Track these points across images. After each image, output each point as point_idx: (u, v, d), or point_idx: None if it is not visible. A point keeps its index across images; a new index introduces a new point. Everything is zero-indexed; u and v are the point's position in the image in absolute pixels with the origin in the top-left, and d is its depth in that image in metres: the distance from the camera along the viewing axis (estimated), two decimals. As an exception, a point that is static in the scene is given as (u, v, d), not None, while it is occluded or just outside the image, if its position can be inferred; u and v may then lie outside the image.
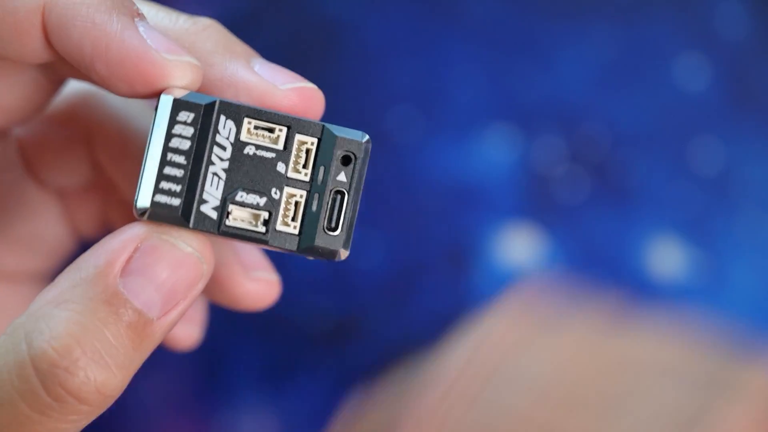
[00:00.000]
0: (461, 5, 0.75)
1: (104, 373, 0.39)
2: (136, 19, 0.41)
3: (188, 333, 0.52)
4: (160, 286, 0.41)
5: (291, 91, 0.44)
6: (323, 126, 0.42)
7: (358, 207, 0.43)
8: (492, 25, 0.74)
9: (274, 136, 0.42)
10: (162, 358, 0.77)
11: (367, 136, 0.43)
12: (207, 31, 0.45)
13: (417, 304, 0.77)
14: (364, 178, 0.43)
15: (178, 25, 0.45)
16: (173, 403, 0.77)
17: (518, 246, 0.77)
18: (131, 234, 0.41)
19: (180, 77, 0.41)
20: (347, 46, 0.75)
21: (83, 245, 0.58)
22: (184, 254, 0.41)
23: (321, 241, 0.42)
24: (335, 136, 0.42)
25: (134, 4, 0.42)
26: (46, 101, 0.48)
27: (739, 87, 0.75)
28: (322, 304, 0.75)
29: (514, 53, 0.74)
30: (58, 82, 0.48)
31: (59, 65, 0.44)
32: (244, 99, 0.43)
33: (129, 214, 0.56)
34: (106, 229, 0.57)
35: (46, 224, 0.55)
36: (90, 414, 0.39)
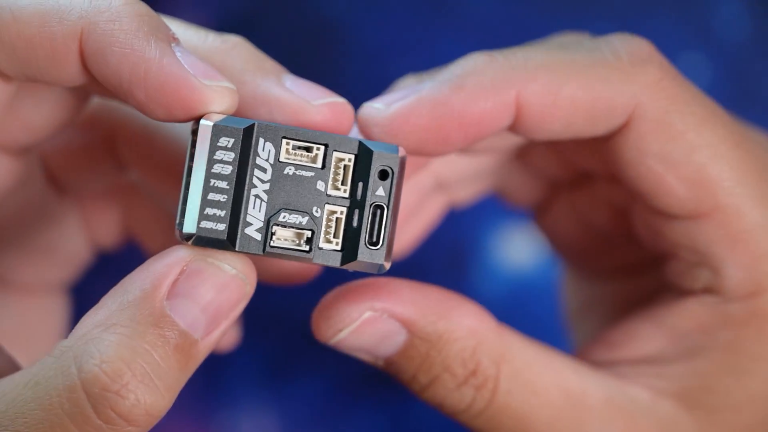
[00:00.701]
0: (461, 5, 0.75)
1: (153, 396, 0.40)
2: (172, 44, 0.42)
3: (230, 335, 0.54)
4: (205, 307, 0.42)
5: (323, 106, 0.44)
6: (360, 142, 0.43)
7: (396, 220, 0.43)
8: (492, 25, 0.74)
9: (312, 155, 0.43)
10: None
11: (402, 150, 0.43)
12: (236, 49, 0.45)
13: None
14: (401, 191, 0.44)
15: (207, 43, 0.45)
16: (175, 406, 0.76)
17: (518, 246, 0.77)
18: (176, 257, 0.42)
19: (218, 103, 0.42)
20: (347, 46, 0.75)
21: (101, 256, 0.58)
22: (229, 276, 0.42)
23: (364, 255, 0.43)
24: (372, 152, 0.43)
25: (170, 28, 0.43)
26: (73, 118, 0.48)
27: (739, 87, 0.75)
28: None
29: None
30: (86, 100, 0.48)
31: (92, 86, 0.45)
32: (277, 116, 0.44)
33: (151, 222, 0.56)
34: (125, 239, 0.57)
35: (65, 235, 0.55)
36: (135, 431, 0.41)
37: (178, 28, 0.46)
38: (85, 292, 0.61)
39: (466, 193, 0.56)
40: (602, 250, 0.56)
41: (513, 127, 0.47)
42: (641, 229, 0.52)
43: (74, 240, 0.56)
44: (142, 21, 0.42)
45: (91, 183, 0.55)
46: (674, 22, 0.74)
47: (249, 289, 0.43)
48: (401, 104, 0.45)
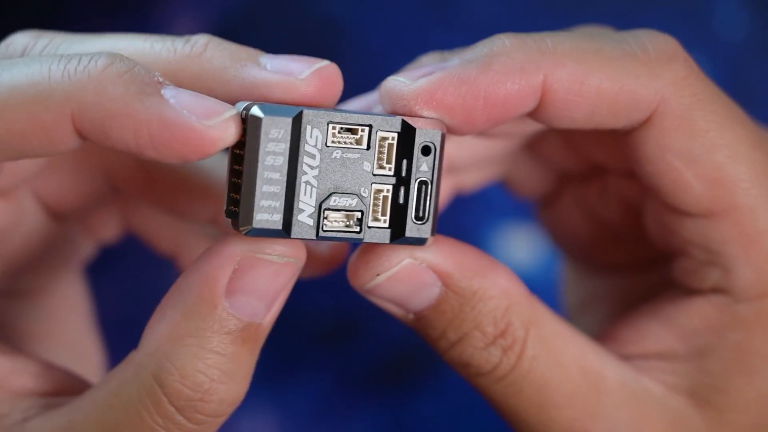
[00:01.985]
0: (461, 5, 0.75)
1: (233, 390, 0.43)
2: (162, 91, 0.42)
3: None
4: (262, 296, 0.43)
5: (310, 77, 0.44)
6: (402, 120, 0.44)
7: (439, 194, 0.44)
8: (492, 25, 0.74)
9: (357, 137, 0.43)
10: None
11: (443, 125, 0.44)
12: (208, 50, 0.45)
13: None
14: (442, 166, 0.45)
15: (178, 53, 0.45)
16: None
17: (518, 246, 0.77)
18: (227, 256, 0.43)
19: (228, 137, 0.42)
20: (347, 46, 0.75)
21: (104, 250, 0.59)
22: (281, 265, 0.43)
23: (411, 231, 0.44)
24: (414, 129, 0.44)
25: (152, 72, 0.42)
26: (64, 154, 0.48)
27: (738, 87, 0.75)
28: (322, 304, 0.75)
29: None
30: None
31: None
32: (271, 100, 0.43)
33: (150, 217, 0.56)
34: (127, 231, 0.58)
35: (68, 240, 0.56)
36: (224, 419, 0.44)
37: (145, 43, 0.46)
38: (98, 287, 0.61)
39: (474, 178, 0.56)
40: (607, 245, 0.56)
41: (535, 113, 0.47)
42: (652, 225, 0.52)
43: (76, 242, 0.56)
44: (126, 81, 0.41)
45: (88, 198, 0.55)
46: (674, 22, 0.74)
47: (300, 264, 0.44)
48: (427, 80, 0.45)
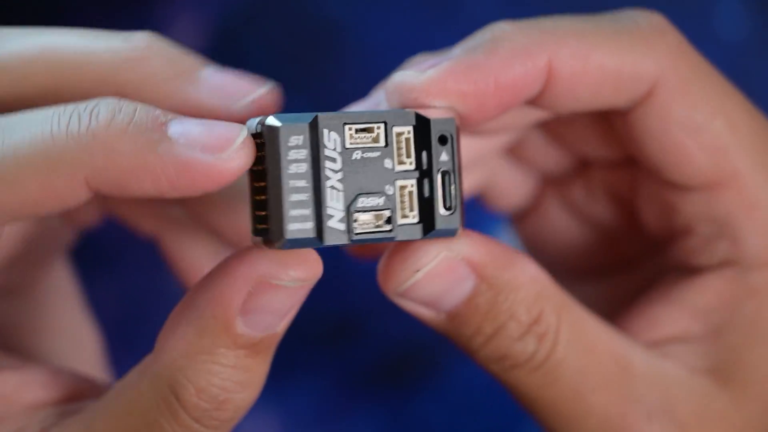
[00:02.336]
0: (461, 5, 0.75)
1: (248, 395, 0.44)
2: (169, 132, 0.41)
3: None
4: (276, 313, 0.43)
5: (248, 106, 0.44)
6: (415, 113, 0.43)
7: (462, 182, 0.44)
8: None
9: (374, 135, 0.43)
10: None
11: (455, 113, 0.44)
12: (149, 55, 0.45)
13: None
14: (461, 153, 0.44)
15: (120, 56, 0.44)
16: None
17: (518, 246, 0.77)
18: (242, 279, 0.42)
19: (245, 163, 0.41)
20: (347, 46, 0.75)
21: (104, 251, 0.59)
22: (296, 288, 0.43)
23: (441, 223, 0.44)
24: (428, 120, 0.43)
25: (154, 112, 0.42)
26: None
27: (739, 87, 0.75)
28: (322, 304, 0.75)
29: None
30: None
31: None
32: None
33: (131, 204, 0.56)
34: (107, 218, 0.58)
35: (48, 236, 0.56)
36: (239, 420, 0.45)
37: (79, 40, 0.45)
38: (98, 287, 0.61)
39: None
40: (595, 247, 0.56)
41: (540, 97, 0.47)
42: (649, 210, 0.52)
43: (57, 231, 0.56)
44: (133, 134, 0.41)
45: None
46: (674, 22, 0.74)
47: (315, 280, 0.44)
48: (436, 69, 0.45)
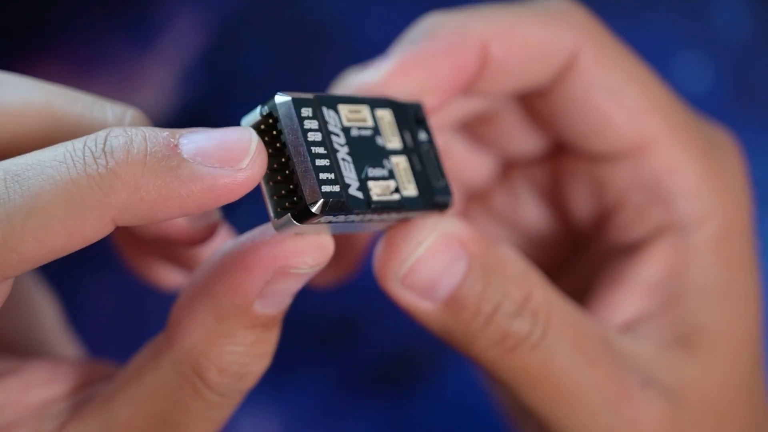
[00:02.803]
0: (460, 5, 0.75)
1: (266, 363, 0.45)
2: (183, 153, 0.41)
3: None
4: (291, 293, 0.44)
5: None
6: (387, 99, 0.45)
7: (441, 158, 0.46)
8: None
9: (362, 115, 0.44)
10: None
11: (419, 100, 0.47)
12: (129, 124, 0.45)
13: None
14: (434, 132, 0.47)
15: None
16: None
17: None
18: (263, 269, 0.43)
19: (263, 165, 0.41)
20: (346, 47, 0.75)
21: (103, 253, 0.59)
22: (312, 272, 0.44)
23: (438, 193, 0.45)
24: (401, 104, 0.45)
25: (162, 135, 0.41)
26: None
27: (740, 87, 0.75)
28: (322, 305, 0.75)
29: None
30: None
31: None
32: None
33: None
34: None
35: None
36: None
37: (80, 105, 0.46)
38: (98, 289, 0.61)
39: None
40: (533, 251, 0.57)
41: (478, 80, 0.50)
42: (579, 193, 0.54)
43: None
44: (153, 162, 0.41)
45: None
46: (675, 22, 0.74)
47: (328, 260, 0.45)
48: (390, 63, 0.49)
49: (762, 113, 0.74)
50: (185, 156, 0.41)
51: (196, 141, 0.41)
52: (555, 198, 0.55)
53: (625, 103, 0.51)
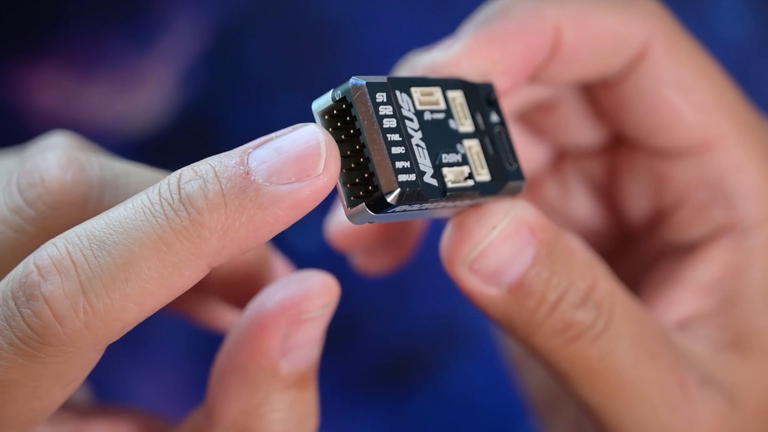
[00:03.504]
0: (461, 5, 0.75)
1: (311, 426, 0.45)
2: (258, 179, 0.40)
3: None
4: (313, 343, 0.44)
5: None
6: (459, 80, 0.44)
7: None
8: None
9: (434, 98, 0.43)
10: (161, 356, 0.77)
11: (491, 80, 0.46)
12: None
13: (416, 304, 0.77)
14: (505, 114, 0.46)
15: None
16: (173, 402, 0.76)
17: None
18: (273, 324, 0.43)
19: (337, 166, 0.41)
20: (347, 46, 0.75)
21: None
22: (323, 314, 0.44)
23: (511, 178, 0.44)
24: (473, 84, 0.45)
25: (227, 159, 0.40)
26: None
27: (740, 87, 0.75)
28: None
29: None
30: None
31: None
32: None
33: None
34: None
35: None
36: None
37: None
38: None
39: None
40: None
41: (548, 66, 0.49)
42: (636, 189, 0.53)
43: None
44: (233, 200, 0.40)
45: None
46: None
47: (336, 301, 0.44)
48: (461, 43, 0.47)
49: (762, 113, 0.74)
50: (261, 182, 0.40)
51: (266, 160, 0.40)
52: (608, 192, 0.54)
53: (694, 98, 0.50)
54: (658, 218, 0.52)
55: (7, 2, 0.77)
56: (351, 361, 0.77)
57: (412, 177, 0.41)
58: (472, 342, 0.76)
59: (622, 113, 0.51)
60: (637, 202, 0.53)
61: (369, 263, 0.55)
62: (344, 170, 0.41)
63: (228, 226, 0.40)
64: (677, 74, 0.50)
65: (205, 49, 0.76)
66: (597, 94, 0.52)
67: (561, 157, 0.55)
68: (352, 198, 0.41)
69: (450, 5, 0.75)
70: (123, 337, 0.41)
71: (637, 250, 0.54)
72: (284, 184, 0.40)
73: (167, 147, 0.74)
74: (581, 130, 0.54)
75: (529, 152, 0.55)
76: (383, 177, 0.41)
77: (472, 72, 0.46)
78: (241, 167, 0.40)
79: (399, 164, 0.41)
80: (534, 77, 0.49)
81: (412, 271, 0.71)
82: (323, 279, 0.43)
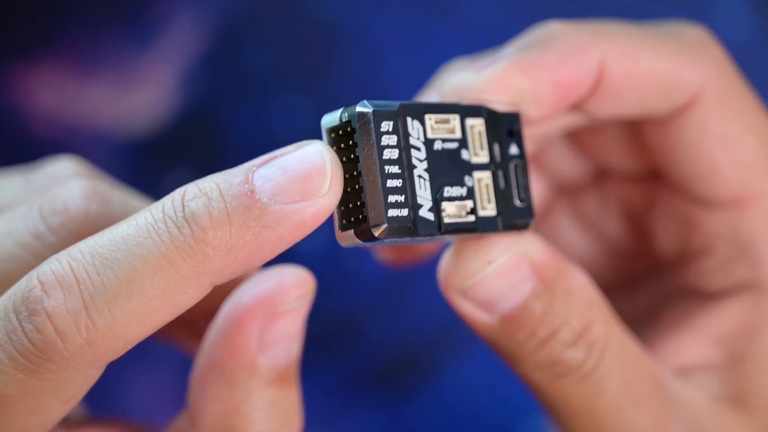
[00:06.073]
0: (461, 5, 0.75)
1: (297, 426, 0.44)
2: (258, 196, 0.40)
3: None
4: (290, 338, 0.44)
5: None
6: (483, 107, 0.44)
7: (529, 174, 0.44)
8: (492, 25, 0.74)
9: (450, 126, 0.43)
10: (161, 356, 0.77)
11: (518, 110, 0.45)
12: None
13: (416, 304, 0.77)
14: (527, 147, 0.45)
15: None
16: (173, 402, 0.76)
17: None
18: (248, 318, 0.43)
19: (340, 188, 0.41)
20: (347, 46, 0.75)
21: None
22: (299, 306, 0.43)
23: (518, 214, 0.44)
24: (498, 113, 0.44)
25: (232, 177, 0.40)
26: None
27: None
28: (322, 307, 0.75)
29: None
30: None
31: None
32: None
33: None
34: None
35: None
36: None
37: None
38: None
39: None
40: (602, 262, 0.56)
41: (588, 100, 0.47)
42: (668, 227, 0.52)
43: None
44: (237, 218, 0.40)
45: None
46: (675, 21, 0.74)
47: (312, 294, 0.44)
48: (494, 68, 0.45)
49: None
50: (265, 200, 0.40)
51: (271, 179, 0.40)
52: (642, 219, 0.54)
53: (737, 155, 0.48)
54: (684, 260, 0.52)
55: (8, 2, 0.77)
56: (351, 361, 0.77)
57: (404, 212, 0.41)
58: (471, 342, 0.75)
59: (662, 152, 0.50)
60: (667, 239, 0.52)
61: (392, 256, 0.55)
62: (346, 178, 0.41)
63: (232, 245, 0.40)
64: (724, 128, 0.48)
65: (205, 49, 0.75)
66: (641, 128, 0.51)
67: (606, 174, 0.55)
68: (344, 221, 0.41)
69: (450, 6, 0.75)
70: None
71: (660, 280, 0.54)
72: (289, 203, 0.40)
73: (167, 147, 0.74)
74: (622, 157, 0.53)
75: (572, 161, 0.55)
76: (372, 210, 0.41)
77: (500, 98, 0.45)
78: (246, 185, 0.40)
79: (392, 198, 0.41)
80: (573, 108, 0.48)
81: (412, 272, 0.71)
82: (297, 272, 0.43)
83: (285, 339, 0.43)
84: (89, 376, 0.40)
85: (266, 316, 0.43)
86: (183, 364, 0.77)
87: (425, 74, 0.68)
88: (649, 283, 0.54)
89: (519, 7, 0.74)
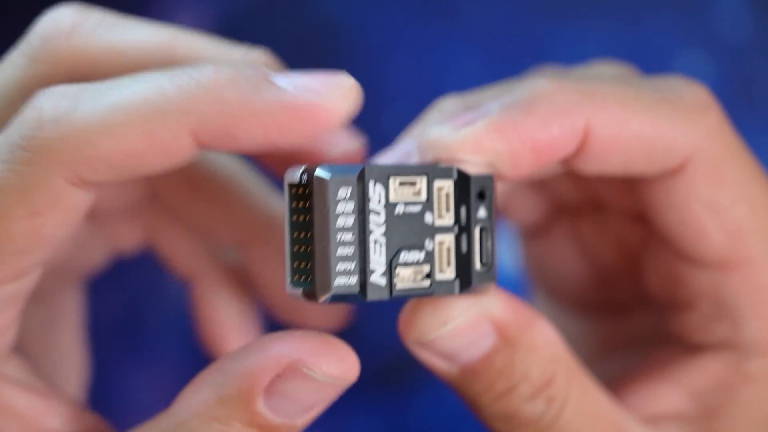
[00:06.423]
0: (461, 5, 0.75)
1: None
2: (272, 78, 0.40)
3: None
4: (300, 403, 0.42)
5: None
6: (455, 168, 0.43)
7: (495, 239, 0.43)
8: (492, 25, 0.74)
9: (416, 188, 0.42)
10: (161, 356, 0.77)
11: (492, 172, 0.44)
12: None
13: (417, 304, 0.77)
14: (497, 209, 0.44)
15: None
16: (172, 400, 0.76)
17: (518, 245, 0.77)
18: (274, 358, 0.41)
19: (349, 107, 0.41)
20: (347, 46, 0.75)
21: (119, 259, 0.58)
22: (324, 384, 0.42)
23: (477, 280, 0.43)
24: (469, 176, 0.43)
25: (260, 67, 0.41)
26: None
27: (741, 86, 0.75)
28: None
29: (514, 53, 0.74)
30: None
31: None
32: (293, 136, 0.42)
33: (173, 237, 0.56)
34: (146, 247, 0.57)
35: (86, 245, 0.55)
36: None
37: (201, 43, 0.45)
38: (99, 290, 0.61)
39: None
40: (595, 284, 0.56)
41: (571, 158, 0.47)
42: (655, 274, 0.51)
43: (93, 249, 0.56)
44: (239, 83, 0.40)
45: (119, 201, 0.54)
46: (675, 21, 0.74)
47: (346, 384, 0.43)
48: (473, 128, 0.44)
49: (762, 113, 0.74)
50: (275, 81, 0.41)
51: (291, 76, 0.41)
52: (636, 257, 0.53)
53: (726, 221, 0.47)
54: (670, 305, 0.51)
55: (8, 2, 0.77)
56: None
57: (353, 280, 0.40)
58: (472, 342, 0.75)
59: (651, 207, 0.49)
60: (656, 282, 0.52)
61: None
62: (295, 248, 0.41)
63: (225, 97, 0.40)
64: (714, 195, 0.47)
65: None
66: (635, 179, 0.50)
67: (604, 205, 0.54)
68: (294, 278, 0.41)
69: (450, 6, 0.75)
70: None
71: (648, 314, 0.54)
72: (296, 90, 0.40)
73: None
74: (617, 197, 0.53)
75: (571, 190, 0.54)
76: (319, 277, 0.40)
77: (475, 159, 0.44)
78: (268, 72, 0.41)
79: (341, 266, 0.40)
80: (555, 165, 0.48)
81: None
82: (346, 354, 0.42)
83: (293, 401, 0.42)
84: (56, 189, 0.40)
85: (288, 366, 0.42)
86: (182, 363, 0.77)
87: (425, 74, 0.68)
88: (637, 313, 0.54)
89: (519, 7, 0.74)
